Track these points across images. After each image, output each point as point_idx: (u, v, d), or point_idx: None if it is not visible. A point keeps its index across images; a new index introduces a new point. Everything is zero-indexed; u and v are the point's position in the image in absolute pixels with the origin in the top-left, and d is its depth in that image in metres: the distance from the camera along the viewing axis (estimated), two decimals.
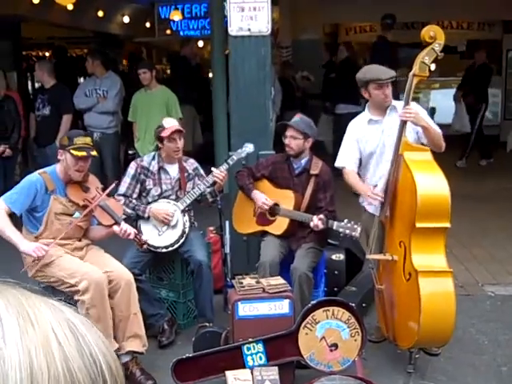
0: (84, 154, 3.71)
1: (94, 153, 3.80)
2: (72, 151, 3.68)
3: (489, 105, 10.32)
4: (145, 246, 4.03)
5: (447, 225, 3.59)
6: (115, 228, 3.83)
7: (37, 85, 8.95)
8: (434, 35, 3.62)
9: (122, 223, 3.85)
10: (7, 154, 6.59)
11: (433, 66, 3.66)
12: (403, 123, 3.72)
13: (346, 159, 4.13)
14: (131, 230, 3.85)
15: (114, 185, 4.24)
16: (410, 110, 3.69)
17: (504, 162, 10.47)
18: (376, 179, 4.05)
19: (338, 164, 4.19)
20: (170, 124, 4.38)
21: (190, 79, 8.77)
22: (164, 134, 4.30)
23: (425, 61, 3.65)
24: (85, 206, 3.82)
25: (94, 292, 3.56)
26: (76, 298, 3.62)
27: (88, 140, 3.82)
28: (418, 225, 3.54)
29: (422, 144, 3.95)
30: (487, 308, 4.80)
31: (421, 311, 3.47)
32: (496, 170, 9.56)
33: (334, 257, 4.59)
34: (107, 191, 4.02)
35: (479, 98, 9.91)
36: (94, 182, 3.97)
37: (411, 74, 3.68)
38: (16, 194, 3.67)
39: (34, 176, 3.75)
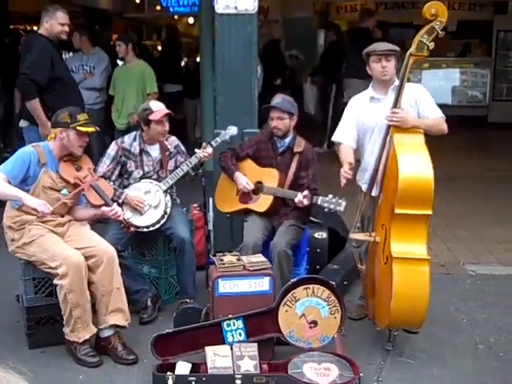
0: (93, 129, 3.81)
1: (97, 127, 3.88)
2: (79, 128, 3.74)
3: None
4: (132, 229, 4.04)
5: (429, 212, 3.47)
6: (104, 208, 3.85)
7: None
8: (436, 12, 3.44)
9: (114, 204, 3.89)
10: None
11: (432, 45, 3.53)
12: (396, 101, 3.66)
13: (343, 135, 4.07)
14: (121, 212, 3.90)
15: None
16: (397, 115, 3.62)
17: (491, 143, 10.53)
18: (373, 158, 3.92)
19: (334, 138, 4.13)
20: (159, 107, 4.32)
21: None
22: (153, 117, 4.24)
23: (423, 39, 3.47)
24: (75, 185, 3.84)
25: (72, 277, 3.58)
26: (55, 282, 3.65)
27: (87, 116, 3.87)
28: (397, 211, 3.46)
29: None
30: (467, 287, 4.85)
31: (392, 296, 3.46)
32: (483, 151, 9.62)
33: (316, 235, 4.62)
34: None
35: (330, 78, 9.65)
36: (86, 162, 3.99)
37: (408, 53, 3.53)
38: (11, 163, 3.70)
39: (28, 148, 3.80)
